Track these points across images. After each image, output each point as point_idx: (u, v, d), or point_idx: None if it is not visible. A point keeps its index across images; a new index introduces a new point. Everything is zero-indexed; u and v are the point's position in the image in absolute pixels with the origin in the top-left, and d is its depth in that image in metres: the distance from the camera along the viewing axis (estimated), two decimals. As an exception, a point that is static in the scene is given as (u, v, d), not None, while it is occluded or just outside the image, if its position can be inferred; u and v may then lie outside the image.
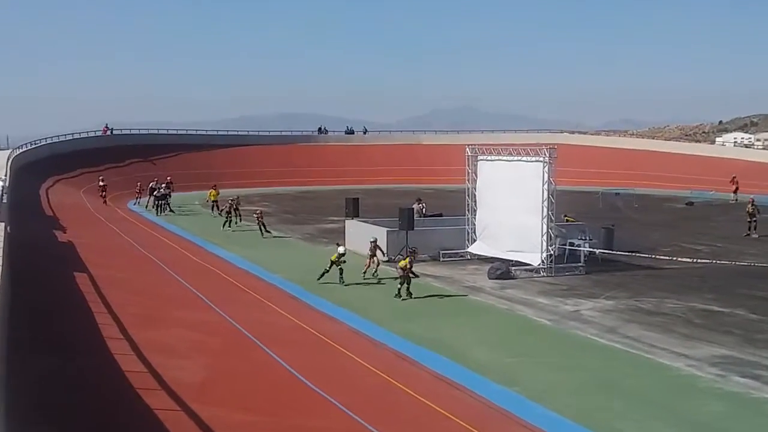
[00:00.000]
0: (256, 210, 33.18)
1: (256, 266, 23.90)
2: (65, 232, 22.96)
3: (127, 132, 67.50)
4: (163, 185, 41.68)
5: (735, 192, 46.13)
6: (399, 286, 19.50)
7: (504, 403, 11.84)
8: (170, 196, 40.67)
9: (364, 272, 22.12)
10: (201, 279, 19.99)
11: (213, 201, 38.75)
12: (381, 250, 22.86)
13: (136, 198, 44.03)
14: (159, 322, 13.48)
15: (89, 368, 9.81)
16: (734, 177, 47.08)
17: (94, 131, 64.79)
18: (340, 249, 21.58)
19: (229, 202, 34.08)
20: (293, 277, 22.14)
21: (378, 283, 21.48)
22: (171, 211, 39.42)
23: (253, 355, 12.38)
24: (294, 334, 14.94)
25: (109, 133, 65.00)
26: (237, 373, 11.31)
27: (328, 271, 21.16)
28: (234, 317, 14.83)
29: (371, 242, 22.65)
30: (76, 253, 19.51)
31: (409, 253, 20.66)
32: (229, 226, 32.82)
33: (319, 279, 21.00)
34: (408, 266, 19.45)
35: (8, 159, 34.87)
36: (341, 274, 21.19)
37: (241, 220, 34.22)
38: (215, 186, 40.11)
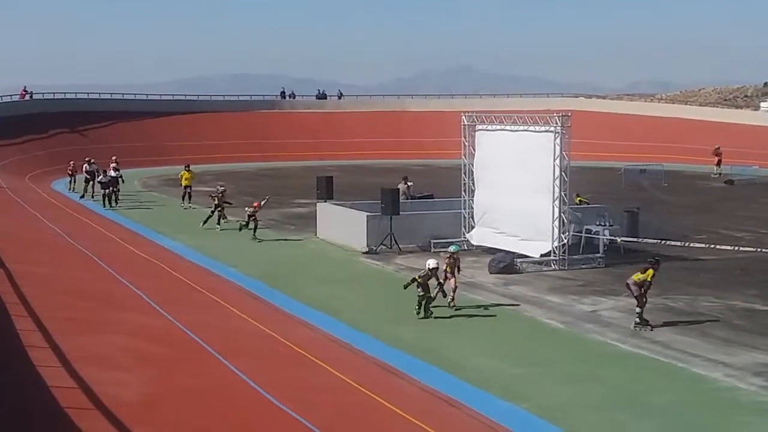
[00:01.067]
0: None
1: (210, 259, 23.84)
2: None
3: (51, 96, 66.91)
4: (111, 168, 37.04)
5: (718, 165, 49.84)
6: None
7: (509, 422, 11.89)
8: (121, 182, 37.13)
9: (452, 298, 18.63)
10: (143, 275, 19.89)
11: (185, 186, 35.59)
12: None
13: (70, 182, 42.17)
14: (93, 328, 13.39)
15: (6, 384, 9.73)
16: (718, 147, 50.39)
17: (9, 95, 64.09)
18: (430, 263, 17.94)
19: (216, 194, 30.48)
20: (255, 272, 22.11)
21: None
22: (115, 202, 36.12)
23: (208, 367, 12.32)
24: (257, 342, 14.91)
25: (28, 97, 64.38)
26: (188, 389, 11.26)
27: (426, 298, 17.79)
28: (183, 321, 14.76)
29: (449, 255, 18.90)
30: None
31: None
32: (217, 224, 29.56)
33: (419, 314, 17.79)
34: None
35: None
36: (430, 299, 17.83)
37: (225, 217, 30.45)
38: (188, 166, 36.63)
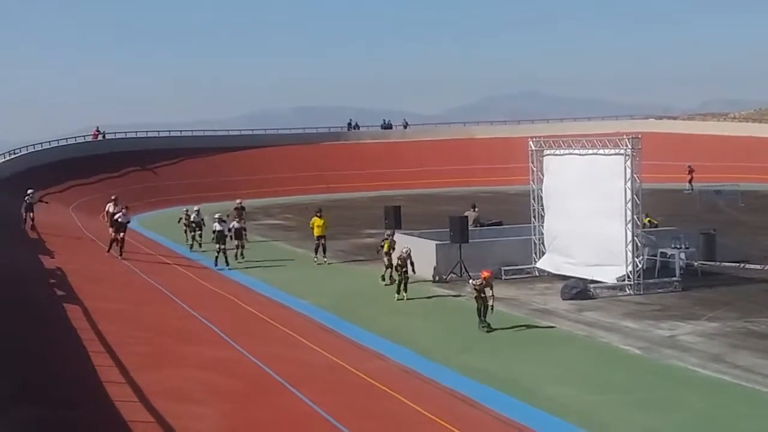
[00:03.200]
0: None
1: (280, 291, 24.05)
2: (53, 257, 23.35)
3: (122, 136, 68.65)
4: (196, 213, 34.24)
5: (690, 182, 53.93)
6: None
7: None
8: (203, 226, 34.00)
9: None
10: (215, 309, 20.16)
11: (319, 237, 29.62)
12: (412, 263, 23.08)
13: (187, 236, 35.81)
14: (167, 362, 13.61)
15: (85, 419, 9.93)
16: (689, 166, 54.83)
17: (83, 136, 65.99)
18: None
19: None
20: (325, 304, 22.23)
21: (424, 302, 21.40)
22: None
23: (281, 399, 12.41)
24: (330, 374, 14.95)
25: (100, 137, 66.11)
26: (262, 421, 11.35)
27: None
28: (256, 354, 14.90)
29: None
30: (67, 281, 19.83)
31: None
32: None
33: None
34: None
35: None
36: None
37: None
38: (320, 211, 30.86)
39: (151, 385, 11.39)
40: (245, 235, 31.03)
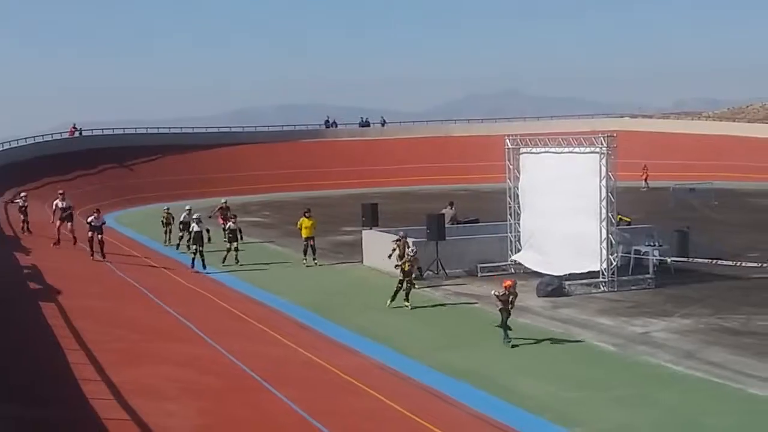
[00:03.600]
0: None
1: (258, 289, 24.00)
2: (28, 255, 23.17)
3: (99, 133, 68.22)
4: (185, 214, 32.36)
5: (645, 180, 55.58)
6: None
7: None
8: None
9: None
10: (191, 306, 20.07)
11: (307, 238, 28.56)
12: (419, 267, 22.80)
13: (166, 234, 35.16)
14: (143, 360, 13.52)
15: (61, 417, 9.85)
16: (645, 165, 56.42)
17: (60, 133, 65.50)
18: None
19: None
20: (303, 301, 22.20)
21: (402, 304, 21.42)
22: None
23: (258, 397, 12.36)
24: (307, 371, 14.92)
25: (77, 134, 65.67)
26: (238, 419, 11.30)
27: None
28: (233, 351, 14.83)
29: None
30: (43, 279, 19.67)
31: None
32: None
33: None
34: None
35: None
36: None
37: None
38: (308, 211, 29.59)
39: (126, 382, 11.31)
40: (240, 236, 29.58)
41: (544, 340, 17.76)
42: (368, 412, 12.65)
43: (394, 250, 22.77)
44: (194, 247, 27.52)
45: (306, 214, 28.70)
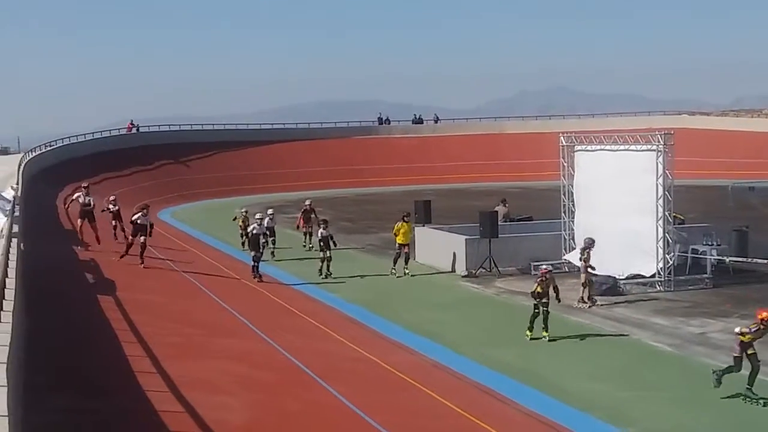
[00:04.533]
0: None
1: (311, 285, 24.11)
2: (87, 249, 23.58)
3: (156, 129, 69.05)
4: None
5: None
6: None
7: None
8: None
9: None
10: (246, 302, 20.28)
11: (401, 245, 25.64)
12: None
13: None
14: (198, 353, 13.71)
15: (117, 408, 10.03)
16: None
17: (117, 129, 66.52)
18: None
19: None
20: (355, 297, 22.28)
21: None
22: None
23: (310, 392, 12.45)
24: (358, 367, 15.00)
25: (134, 130, 66.58)
26: (291, 413, 11.40)
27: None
28: (286, 347, 14.97)
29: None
30: (101, 273, 20.04)
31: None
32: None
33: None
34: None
35: (20, 165, 36.06)
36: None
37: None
38: (407, 216, 26.44)
39: (181, 375, 11.48)
40: (334, 243, 25.70)
41: (597, 339, 17.59)
42: (420, 409, 12.67)
43: (538, 284, 17.98)
44: (254, 253, 24.20)
45: (405, 219, 25.78)
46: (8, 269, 13.38)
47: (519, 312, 20.09)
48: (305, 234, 31.00)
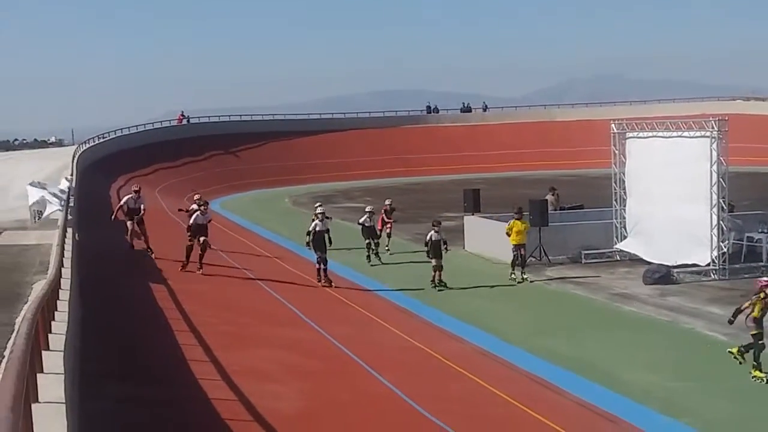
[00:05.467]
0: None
1: (359, 275, 24.16)
2: (139, 239, 23.90)
3: (206, 120, 69.74)
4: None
5: None
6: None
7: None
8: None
9: None
10: (296, 291, 20.39)
11: (518, 246, 22.57)
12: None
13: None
14: (249, 342, 13.83)
15: (170, 396, 10.17)
16: None
17: (168, 120, 67.34)
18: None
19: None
20: (405, 286, 22.27)
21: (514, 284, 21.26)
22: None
23: (360, 380, 12.50)
24: (407, 356, 15.01)
25: (185, 121, 67.33)
26: (342, 401, 11.45)
27: None
28: (336, 336, 15.04)
29: None
30: (153, 262, 20.30)
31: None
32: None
33: None
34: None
35: (74, 156, 36.70)
36: None
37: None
38: (520, 211, 23.32)
39: (233, 364, 11.60)
40: (446, 247, 22.23)
41: (651, 328, 17.38)
42: (470, 397, 12.64)
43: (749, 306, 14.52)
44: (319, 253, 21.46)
45: (517, 216, 22.83)
46: (63, 258, 13.66)
47: (570, 301, 19.96)
48: (387, 236, 28.31)
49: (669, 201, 22.81)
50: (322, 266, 21.17)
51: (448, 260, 22.53)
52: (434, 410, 11.21)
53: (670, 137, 23.35)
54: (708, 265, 21.96)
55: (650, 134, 24.19)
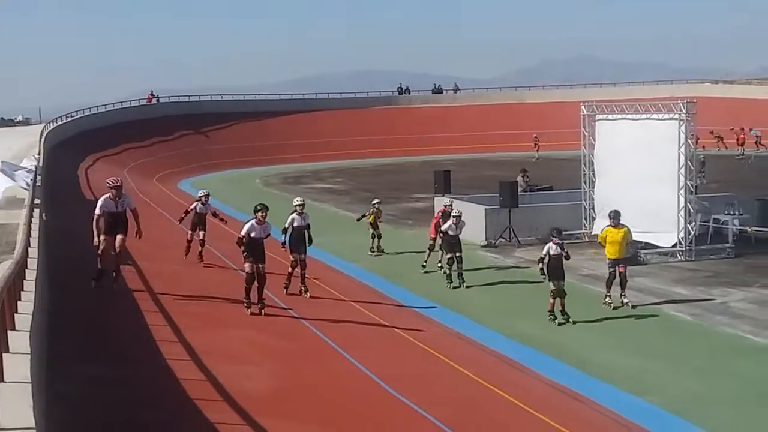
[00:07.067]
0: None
1: (329, 254, 24.14)
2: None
3: (176, 99, 69.17)
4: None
5: (537, 150, 58.33)
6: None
7: (636, 416, 11.66)
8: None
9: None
10: (268, 272, 20.30)
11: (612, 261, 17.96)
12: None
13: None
14: (220, 323, 13.79)
15: (139, 377, 10.13)
16: (536, 136, 59.49)
17: (138, 100, 66.70)
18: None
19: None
20: (374, 267, 22.33)
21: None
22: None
23: (331, 361, 12.51)
24: (378, 336, 15.05)
25: (154, 101, 66.75)
26: (312, 382, 11.47)
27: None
28: (306, 317, 15.03)
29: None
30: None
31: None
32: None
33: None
34: None
35: (41, 135, 36.26)
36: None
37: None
38: (615, 218, 18.26)
39: (203, 344, 11.57)
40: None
41: (617, 309, 17.54)
42: (440, 379, 12.71)
43: None
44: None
45: (612, 222, 18.14)
46: (30, 238, 13.51)
47: (540, 282, 20.08)
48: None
49: (637, 183, 22.98)
50: (300, 270, 17.26)
51: (418, 240, 22.43)
52: (403, 390, 11.25)
53: (638, 119, 23.52)
54: (675, 246, 22.20)
55: (619, 116, 24.34)
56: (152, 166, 50.67)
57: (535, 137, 59.61)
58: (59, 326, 10.93)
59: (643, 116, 23.36)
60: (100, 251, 13.76)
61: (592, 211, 24.97)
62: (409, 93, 76.79)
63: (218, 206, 36.14)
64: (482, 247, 24.59)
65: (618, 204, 23.59)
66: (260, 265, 15.10)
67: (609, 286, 17.74)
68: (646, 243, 22.34)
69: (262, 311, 14.67)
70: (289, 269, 17.36)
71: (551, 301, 16.50)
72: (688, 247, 22.12)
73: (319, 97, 76.04)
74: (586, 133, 25.30)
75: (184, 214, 19.42)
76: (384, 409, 10.89)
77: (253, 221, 15.57)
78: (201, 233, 18.66)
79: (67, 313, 11.91)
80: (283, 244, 17.63)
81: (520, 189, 27.63)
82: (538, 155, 57.68)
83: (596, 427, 11.62)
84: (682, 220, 22.02)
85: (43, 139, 34.83)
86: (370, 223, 24.66)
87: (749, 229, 23.61)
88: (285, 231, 17.60)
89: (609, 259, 17.83)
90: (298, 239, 17.35)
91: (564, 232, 24.31)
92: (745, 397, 12.51)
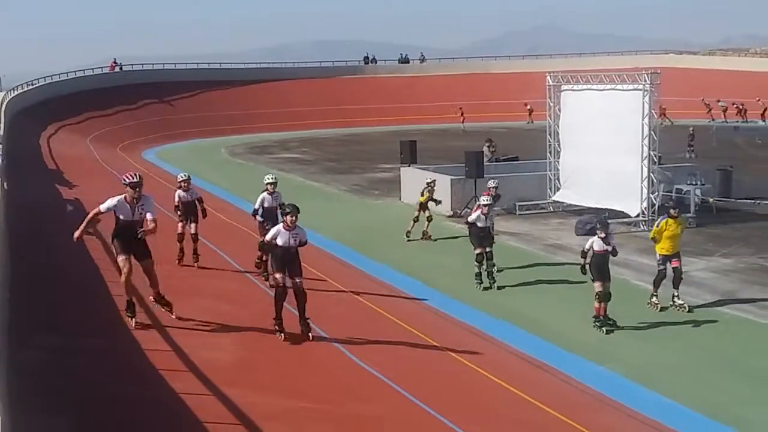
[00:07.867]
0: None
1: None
2: (71, 188, 23.45)
3: (139, 68, 68.33)
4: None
5: (462, 122, 59.74)
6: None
7: (598, 384, 11.82)
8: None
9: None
10: (229, 242, 20.25)
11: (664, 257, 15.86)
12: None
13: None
14: (185, 295, 13.71)
15: (103, 346, 10.09)
16: (460, 107, 60.55)
17: (100, 68, 65.77)
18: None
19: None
20: (340, 236, 22.30)
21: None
22: None
23: (297, 332, 12.51)
24: (344, 307, 15.07)
25: (117, 69, 65.87)
26: (277, 352, 11.47)
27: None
28: (269, 286, 14.98)
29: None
30: (85, 212, 19.89)
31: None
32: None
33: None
34: None
35: (2, 103, 35.67)
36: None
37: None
38: (675, 210, 16.09)
39: (167, 315, 11.54)
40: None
41: (581, 278, 17.66)
42: (405, 348, 12.75)
43: None
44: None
45: (673, 213, 15.89)
46: (-9, 209, 13.32)
47: (503, 252, 20.20)
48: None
49: (601, 153, 23.16)
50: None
51: (384, 210, 22.38)
52: (369, 360, 11.30)
53: (603, 90, 23.64)
54: (638, 216, 22.42)
55: (584, 87, 24.46)
56: (115, 135, 50.09)
57: (460, 108, 60.78)
58: (23, 297, 10.83)
59: (608, 87, 23.48)
60: (123, 279, 10.99)
61: (557, 181, 25.12)
62: (376, 62, 76.46)
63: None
64: (448, 217, 24.66)
65: (583, 173, 23.91)
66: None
67: (657, 285, 15.75)
68: (611, 212, 22.55)
69: (309, 334, 11.97)
70: (259, 253, 14.82)
71: (596, 305, 14.44)
72: (651, 217, 22.34)
73: (285, 65, 75.53)
74: (552, 104, 25.39)
75: (176, 211, 16.42)
76: (349, 378, 10.93)
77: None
78: (193, 226, 15.96)
79: (30, 284, 11.80)
80: (254, 213, 16.15)
81: (486, 159, 27.71)
82: (464, 126, 59.06)
83: (563, 395, 11.74)
84: (645, 190, 22.22)
85: (3, 108, 34.27)
86: (420, 203, 21.89)
87: (710, 200, 23.90)
88: (256, 213, 16.07)
89: (661, 255, 15.81)
90: (271, 220, 15.05)
91: (529, 202, 24.66)
92: (707, 366, 12.74)
